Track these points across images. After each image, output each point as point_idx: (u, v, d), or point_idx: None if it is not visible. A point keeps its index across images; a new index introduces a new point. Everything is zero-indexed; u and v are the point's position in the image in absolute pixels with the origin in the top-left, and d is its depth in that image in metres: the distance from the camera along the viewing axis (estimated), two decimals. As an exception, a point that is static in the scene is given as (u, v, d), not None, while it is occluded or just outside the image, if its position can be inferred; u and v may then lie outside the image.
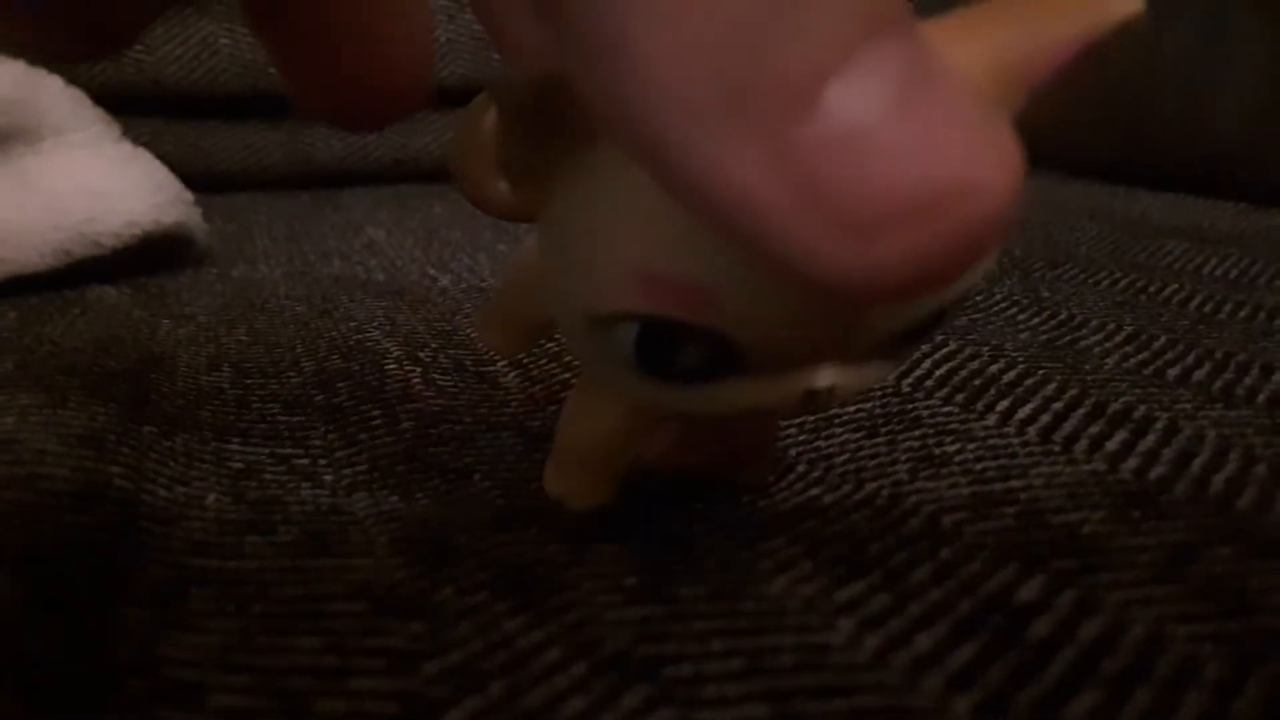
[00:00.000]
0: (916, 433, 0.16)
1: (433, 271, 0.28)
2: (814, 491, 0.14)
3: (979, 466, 0.15)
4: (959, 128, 0.06)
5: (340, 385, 0.19)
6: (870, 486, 0.14)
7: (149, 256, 0.28)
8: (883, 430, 0.16)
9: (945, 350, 0.19)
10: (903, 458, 0.15)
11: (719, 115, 0.06)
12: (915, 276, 0.06)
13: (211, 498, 0.14)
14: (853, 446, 0.16)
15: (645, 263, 0.08)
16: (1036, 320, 0.22)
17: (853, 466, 0.15)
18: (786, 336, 0.09)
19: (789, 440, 0.16)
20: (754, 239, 0.06)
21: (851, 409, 0.17)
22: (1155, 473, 0.14)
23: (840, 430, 0.16)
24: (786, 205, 0.06)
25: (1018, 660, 0.10)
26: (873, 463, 0.15)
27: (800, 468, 0.15)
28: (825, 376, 0.09)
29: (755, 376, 0.09)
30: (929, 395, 0.17)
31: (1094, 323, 0.21)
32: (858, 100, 0.06)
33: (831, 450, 0.16)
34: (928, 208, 0.06)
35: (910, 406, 0.17)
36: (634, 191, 0.08)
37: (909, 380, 0.18)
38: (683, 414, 0.10)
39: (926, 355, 0.19)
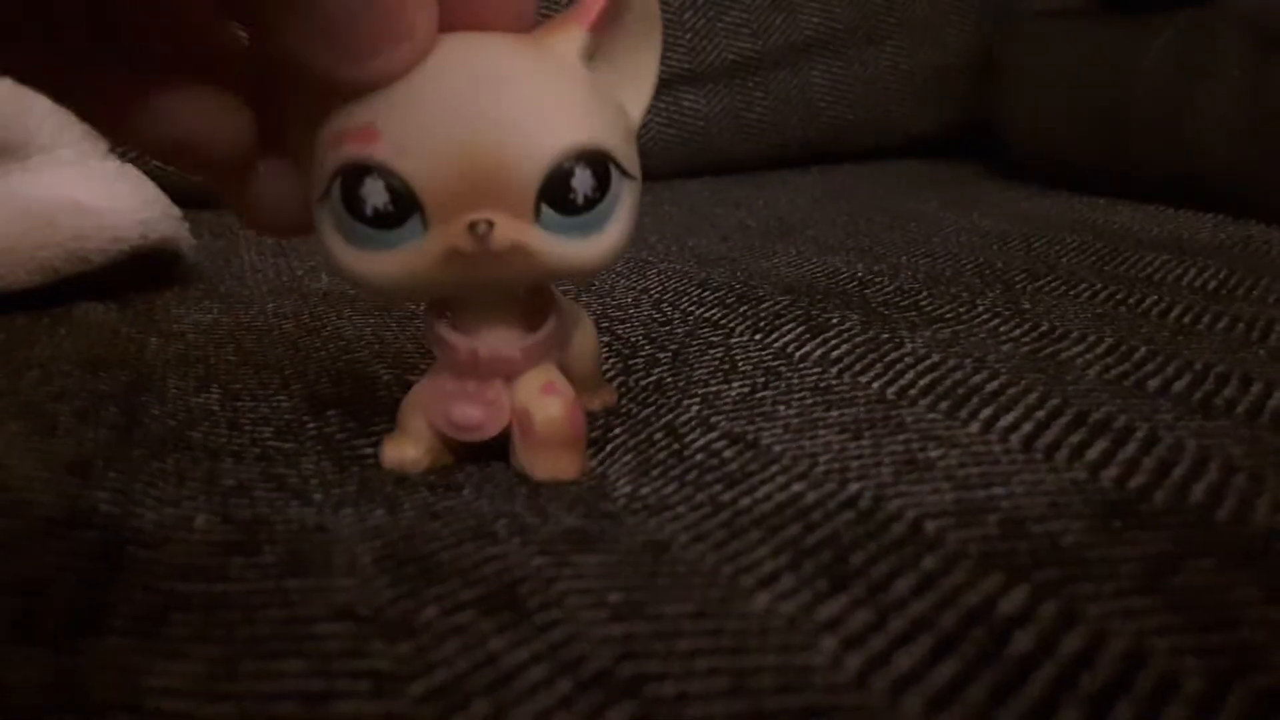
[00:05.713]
0: (900, 437, 0.16)
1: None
2: (797, 487, 0.14)
3: (961, 472, 0.15)
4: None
5: (331, 413, 0.19)
6: (854, 487, 0.14)
7: (136, 272, 0.28)
8: (866, 433, 0.16)
9: (928, 361, 0.20)
10: (886, 460, 0.15)
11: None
12: (382, 72, 0.13)
13: (200, 519, 0.14)
14: (836, 447, 0.16)
15: (334, 128, 0.14)
16: (1019, 332, 0.22)
17: (836, 465, 0.15)
18: (441, 176, 0.13)
19: (773, 439, 0.16)
20: (326, 70, 0.13)
21: (835, 414, 0.17)
22: (1135, 481, 0.14)
23: (824, 432, 0.16)
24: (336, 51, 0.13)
25: (998, 678, 0.10)
26: (856, 463, 0.15)
27: (784, 460, 0.15)
28: (482, 214, 0.13)
29: (433, 225, 0.13)
30: (913, 403, 0.18)
31: (1075, 334, 0.21)
32: None
33: (816, 450, 0.16)
34: (376, 48, 0.13)
35: (894, 412, 0.17)
36: (322, 109, 0.14)
37: (893, 389, 0.18)
38: (404, 276, 0.14)
39: (910, 366, 0.19)
